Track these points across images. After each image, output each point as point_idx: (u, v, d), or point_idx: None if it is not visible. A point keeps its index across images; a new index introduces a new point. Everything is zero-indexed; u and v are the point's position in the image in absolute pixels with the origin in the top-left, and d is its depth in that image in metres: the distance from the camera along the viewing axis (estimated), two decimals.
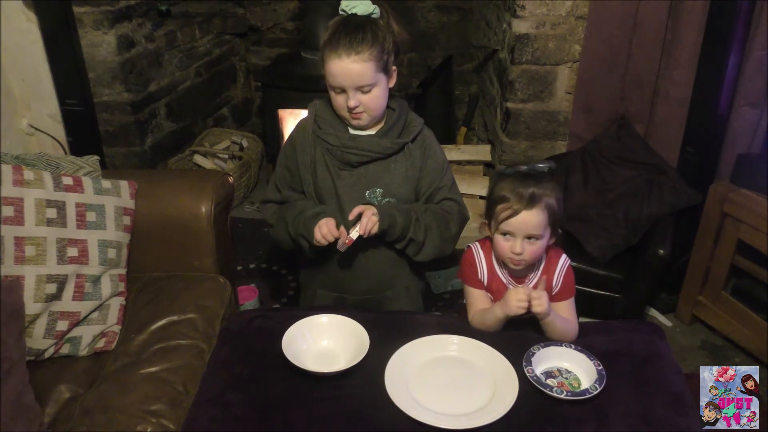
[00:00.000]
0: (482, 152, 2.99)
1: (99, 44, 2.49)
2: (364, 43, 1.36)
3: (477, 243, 1.45)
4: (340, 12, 1.42)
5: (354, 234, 1.40)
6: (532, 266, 1.40)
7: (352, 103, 1.41)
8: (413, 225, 1.48)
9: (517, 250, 1.31)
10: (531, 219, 1.29)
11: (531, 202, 1.28)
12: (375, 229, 1.42)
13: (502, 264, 1.41)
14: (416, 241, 1.50)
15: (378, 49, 1.38)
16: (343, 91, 1.42)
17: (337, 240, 1.42)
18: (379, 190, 1.51)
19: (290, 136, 1.59)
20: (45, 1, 2.32)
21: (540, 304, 1.28)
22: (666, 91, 2.25)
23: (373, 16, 1.41)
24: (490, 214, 1.35)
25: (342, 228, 1.43)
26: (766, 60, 2.01)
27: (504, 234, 1.33)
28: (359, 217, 1.43)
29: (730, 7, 1.96)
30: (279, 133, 2.96)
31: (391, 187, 1.51)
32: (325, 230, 1.42)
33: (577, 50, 2.33)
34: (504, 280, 1.42)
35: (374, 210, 1.43)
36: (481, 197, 2.83)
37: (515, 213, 1.29)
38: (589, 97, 2.39)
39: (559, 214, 1.32)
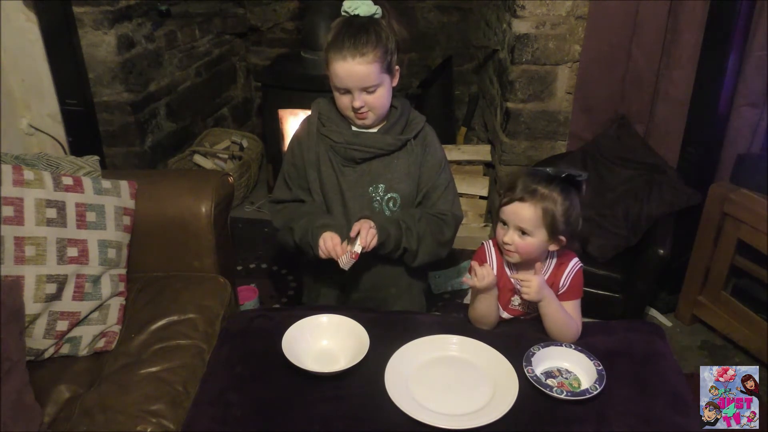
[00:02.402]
0: (482, 152, 2.98)
1: (99, 44, 2.49)
2: (369, 44, 1.37)
3: (490, 241, 1.48)
4: (343, 13, 1.42)
5: (357, 248, 1.41)
6: (540, 266, 1.40)
7: (357, 104, 1.42)
8: (405, 235, 1.50)
9: (506, 239, 1.35)
10: (521, 211, 1.31)
11: (527, 195, 1.31)
12: (375, 242, 1.44)
13: (512, 263, 1.42)
14: (410, 250, 1.53)
15: (382, 50, 1.39)
16: (348, 91, 1.42)
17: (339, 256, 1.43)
18: (381, 186, 1.52)
19: (295, 134, 1.60)
20: (45, 1, 2.32)
21: (528, 286, 1.31)
22: (666, 91, 2.25)
23: (376, 16, 1.41)
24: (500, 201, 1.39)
25: (343, 245, 1.44)
26: (766, 60, 2.01)
27: (502, 222, 1.36)
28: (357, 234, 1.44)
29: (730, 7, 1.96)
30: (279, 133, 2.96)
31: (393, 182, 1.53)
32: (330, 245, 1.44)
33: (577, 50, 2.33)
34: (511, 279, 1.42)
35: (372, 223, 1.44)
36: (481, 197, 2.83)
37: (510, 201, 1.33)
38: (589, 97, 2.38)
39: (560, 223, 1.31)
